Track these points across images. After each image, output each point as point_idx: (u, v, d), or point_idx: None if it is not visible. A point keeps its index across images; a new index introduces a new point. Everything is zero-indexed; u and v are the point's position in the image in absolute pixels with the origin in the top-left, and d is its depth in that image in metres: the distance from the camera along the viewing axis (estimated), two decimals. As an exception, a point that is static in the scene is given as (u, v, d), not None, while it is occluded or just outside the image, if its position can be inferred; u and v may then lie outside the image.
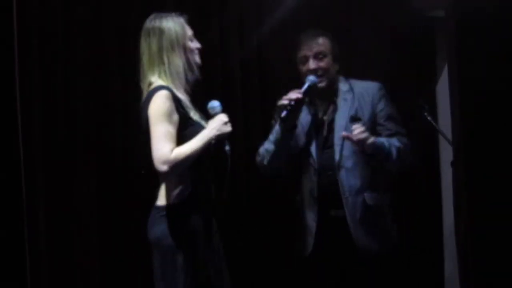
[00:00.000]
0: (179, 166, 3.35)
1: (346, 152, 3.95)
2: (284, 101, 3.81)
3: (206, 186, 3.51)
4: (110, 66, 4.51)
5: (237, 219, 4.51)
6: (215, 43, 4.50)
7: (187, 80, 3.51)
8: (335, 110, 3.97)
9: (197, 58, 3.57)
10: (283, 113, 3.80)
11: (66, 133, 4.46)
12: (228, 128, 3.53)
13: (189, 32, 3.55)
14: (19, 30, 4.08)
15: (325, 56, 3.96)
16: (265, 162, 3.99)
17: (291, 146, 3.97)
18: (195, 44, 3.58)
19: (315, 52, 3.95)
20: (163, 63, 3.46)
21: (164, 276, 3.40)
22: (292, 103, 3.81)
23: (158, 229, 3.41)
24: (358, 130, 3.81)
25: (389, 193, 4.07)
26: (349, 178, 3.94)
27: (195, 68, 3.56)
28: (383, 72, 4.51)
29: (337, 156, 3.95)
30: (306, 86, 3.85)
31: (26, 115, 4.20)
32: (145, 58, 3.50)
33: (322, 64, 3.96)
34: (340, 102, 4.00)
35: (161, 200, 3.46)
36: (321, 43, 3.97)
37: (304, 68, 3.95)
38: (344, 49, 4.29)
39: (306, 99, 3.87)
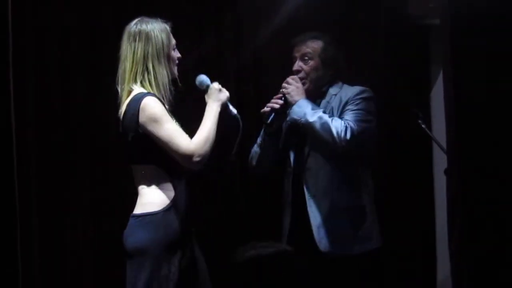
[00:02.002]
0: (206, 151, 3.33)
1: (312, 153, 3.96)
2: (266, 108, 3.88)
3: (186, 194, 3.46)
4: (105, 65, 4.35)
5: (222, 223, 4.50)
6: (213, 48, 4.50)
7: (170, 91, 3.45)
8: None
9: (175, 69, 3.51)
10: (267, 119, 3.90)
11: (60, 133, 4.42)
12: (225, 94, 3.53)
13: (173, 40, 3.50)
14: (14, 31, 4.05)
15: (310, 58, 3.98)
16: (254, 162, 4.07)
17: (275, 150, 4.03)
18: (176, 54, 3.53)
19: (301, 53, 3.99)
20: (148, 72, 3.40)
21: (150, 285, 3.31)
22: (276, 107, 3.88)
23: (142, 237, 3.35)
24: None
25: (365, 195, 4.02)
26: (314, 180, 3.94)
27: (176, 78, 3.49)
28: (378, 79, 4.55)
29: (303, 158, 3.97)
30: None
31: (20, 115, 4.16)
32: (127, 63, 3.42)
33: (306, 67, 3.98)
34: (322, 105, 4.01)
35: (142, 208, 3.40)
36: (309, 45, 4.00)
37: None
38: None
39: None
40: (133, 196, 3.52)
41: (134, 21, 3.44)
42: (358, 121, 3.86)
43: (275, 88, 4.22)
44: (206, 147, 3.33)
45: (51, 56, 4.44)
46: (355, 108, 3.91)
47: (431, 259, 4.82)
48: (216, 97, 3.50)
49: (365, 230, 3.95)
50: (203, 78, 3.56)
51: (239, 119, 3.58)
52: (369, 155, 4.07)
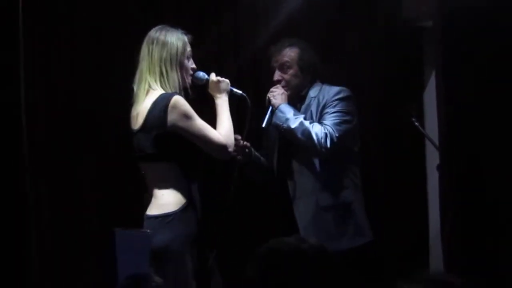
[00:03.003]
0: (232, 140, 3.50)
1: (296, 155, 3.99)
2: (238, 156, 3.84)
3: (200, 191, 3.52)
4: (113, 64, 4.45)
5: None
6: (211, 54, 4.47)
7: (181, 95, 3.51)
8: None
9: (189, 78, 3.59)
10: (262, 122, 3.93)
11: (69, 132, 4.41)
12: (225, 82, 3.65)
13: (189, 51, 3.57)
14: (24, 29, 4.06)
15: (289, 67, 4.01)
16: (247, 176, 4.07)
17: (260, 164, 4.06)
18: (191, 64, 3.60)
19: (280, 63, 4.02)
20: (162, 74, 3.49)
21: (173, 281, 3.38)
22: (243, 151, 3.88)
23: (164, 237, 3.39)
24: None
25: (351, 192, 4.02)
26: (298, 181, 3.99)
27: (187, 86, 3.56)
28: (374, 79, 4.66)
29: (287, 160, 4.02)
30: (267, 114, 3.93)
31: (31, 113, 4.17)
32: (144, 64, 3.52)
33: (286, 75, 4.01)
34: (302, 109, 4.05)
35: (159, 209, 3.46)
36: (286, 54, 4.02)
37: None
38: (337, 57, 4.41)
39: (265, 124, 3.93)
40: (141, 194, 3.56)
41: (156, 28, 3.55)
42: (337, 124, 3.89)
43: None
44: (232, 136, 3.49)
45: (60, 54, 4.43)
46: (333, 110, 3.95)
47: (425, 251, 4.76)
48: (219, 88, 3.61)
49: (353, 226, 3.98)
50: (200, 74, 3.63)
51: (246, 97, 3.70)
52: (353, 152, 4.09)
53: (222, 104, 3.58)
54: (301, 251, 2.49)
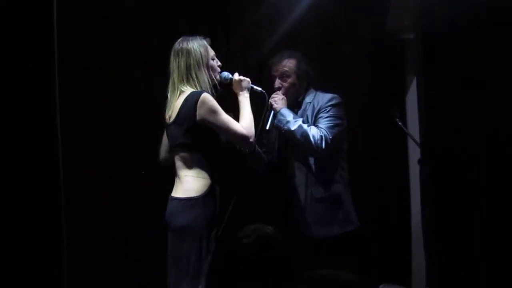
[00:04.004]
0: (253, 132, 3.71)
1: (294, 151, 4.19)
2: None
3: (221, 182, 3.74)
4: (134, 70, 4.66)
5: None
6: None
7: (212, 93, 3.70)
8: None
9: (217, 75, 3.79)
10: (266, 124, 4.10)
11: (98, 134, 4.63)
12: (247, 80, 3.84)
13: (212, 52, 3.78)
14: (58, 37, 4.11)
15: (288, 76, 4.20)
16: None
17: (261, 158, 4.22)
18: (216, 63, 3.81)
19: (280, 73, 4.21)
20: (193, 79, 3.68)
21: (188, 258, 3.59)
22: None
23: (185, 217, 3.61)
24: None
25: (341, 185, 4.20)
26: (296, 174, 4.19)
27: (216, 83, 3.77)
28: (362, 85, 4.84)
29: (287, 155, 4.22)
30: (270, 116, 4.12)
31: (64, 116, 4.24)
32: (175, 75, 3.71)
33: (285, 83, 4.20)
34: (299, 113, 4.22)
35: (185, 193, 3.65)
36: (285, 64, 4.20)
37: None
38: (327, 65, 4.63)
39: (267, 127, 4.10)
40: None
41: (178, 41, 3.76)
42: (330, 127, 4.10)
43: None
44: (253, 129, 3.69)
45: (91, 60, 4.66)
46: (326, 115, 4.14)
47: (407, 236, 4.94)
48: (241, 87, 3.81)
49: (343, 214, 4.18)
50: (225, 73, 3.85)
51: (265, 93, 3.92)
52: (342, 150, 4.27)
53: (244, 101, 3.79)
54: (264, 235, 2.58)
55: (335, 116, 4.16)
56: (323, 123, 4.13)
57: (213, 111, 3.63)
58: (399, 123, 4.58)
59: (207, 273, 3.51)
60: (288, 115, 4.11)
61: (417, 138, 4.38)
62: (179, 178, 3.70)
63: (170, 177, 3.79)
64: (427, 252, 3.86)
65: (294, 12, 4.68)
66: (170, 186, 3.77)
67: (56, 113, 4.02)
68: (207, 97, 3.63)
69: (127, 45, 4.70)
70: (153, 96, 4.00)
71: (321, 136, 4.05)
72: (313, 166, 4.18)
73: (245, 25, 4.84)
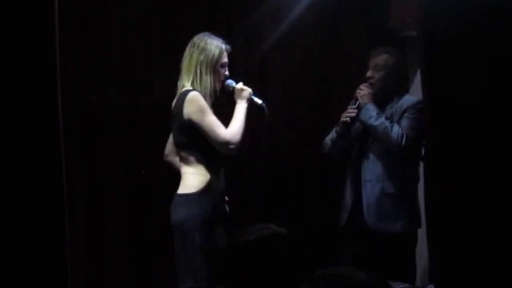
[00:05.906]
0: (238, 140, 3.74)
1: (373, 145, 4.40)
2: (345, 117, 4.38)
3: (221, 178, 3.79)
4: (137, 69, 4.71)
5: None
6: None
7: (211, 97, 3.78)
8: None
9: (220, 84, 3.84)
10: (343, 125, 4.38)
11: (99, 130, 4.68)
12: (248, 91, 3.88)
13: (225, 59, 3.84)
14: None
15: (381, 69, 4.42)
16: (325, 150, 4.56)
17: (343, 144, 4.48)
18: (224, 71, 3.86)
19: (375, 64, 4.43)
20: (196, 74, 3.74)
21: (185, 254, 3.68)
22: (353, 116, 4.38)
23: (180, 213, 3.70)
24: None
25: (410, 185, 4.39)
26: (370, 167, 4.39)
27: (217, 90, 3.80)
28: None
29: (365, 148, 4.42)
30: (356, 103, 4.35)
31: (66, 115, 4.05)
32: (184, 64, 3.80)
33: (376, 75, 4.42)
34: (386, 110, 4.41)
35: (183, 189, 3.74)
36: (382, 58, 4.42)
37: None
38: (327, 63, 4.82)
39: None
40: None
41: (200, 34, 3.85)
42: (412, 128, 4.30)
43: (279, 88, 4.67)
44: (239, 137, 3.70)
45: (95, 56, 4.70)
46: (411, 116, 4.33)
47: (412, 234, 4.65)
48: (241, 95, 3.83)
49: (409, 213, 4.37)
50: (229, 81, 3.90)
51: (265, 107, 3.93)
52: (419, 152, 4.38)
53: (240, 108, 3.83)
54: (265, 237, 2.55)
55: (419, 119, 4.30)
56: (407, 122, 4.32)
57: (200, 110, 3.65)
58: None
59: (212, 268, 3.59)
60: (372, 110, 4.32)
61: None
62: (181, 175, 3.76)
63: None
64: (430, 249, 3.79)
65: (294, 11, 4.81)
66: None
67: (58, 110, 3.79)
68: (196, 96, 3.66)
69: (128, 42, 4.77)
70: (158, 92, 4.19)
71: (402, 134, 4.26)
72: (388, 162, 4.35)
73: (246, 23, 4.94)
